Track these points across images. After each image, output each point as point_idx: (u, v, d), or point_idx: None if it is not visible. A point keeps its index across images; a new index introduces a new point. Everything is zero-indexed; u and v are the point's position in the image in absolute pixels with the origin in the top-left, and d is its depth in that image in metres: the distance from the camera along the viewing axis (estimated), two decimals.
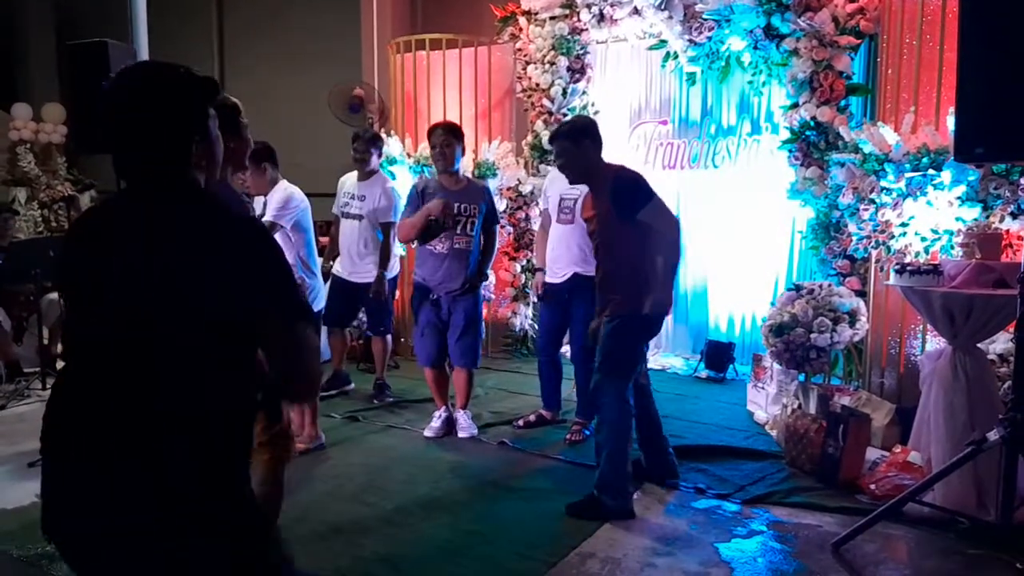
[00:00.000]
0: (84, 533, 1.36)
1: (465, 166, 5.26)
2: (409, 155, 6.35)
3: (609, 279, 3.45)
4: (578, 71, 6.31)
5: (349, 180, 5.13)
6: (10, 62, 10.39)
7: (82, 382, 1.41)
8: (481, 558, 2.97)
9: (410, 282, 4.75)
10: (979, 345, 3.36)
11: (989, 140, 2.72)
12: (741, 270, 5.91)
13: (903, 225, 4.02)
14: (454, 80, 6.54)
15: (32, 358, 5.75)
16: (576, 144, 3.42)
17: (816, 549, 3.03)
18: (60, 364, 1.49)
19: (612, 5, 5.90)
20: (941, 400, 3.28)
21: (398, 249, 5.31)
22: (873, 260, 4.38)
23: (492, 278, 6.13)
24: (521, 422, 4.55)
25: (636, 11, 5.79)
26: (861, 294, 4.58)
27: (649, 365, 5.63)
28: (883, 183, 4.07)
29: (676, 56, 5.78)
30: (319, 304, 4.40)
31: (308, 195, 4.29)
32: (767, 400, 4.65)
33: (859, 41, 4.88)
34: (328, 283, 5.07)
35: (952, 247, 3.84)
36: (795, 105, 5.06)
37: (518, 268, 6.45)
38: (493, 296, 6.28)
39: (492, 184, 5.96)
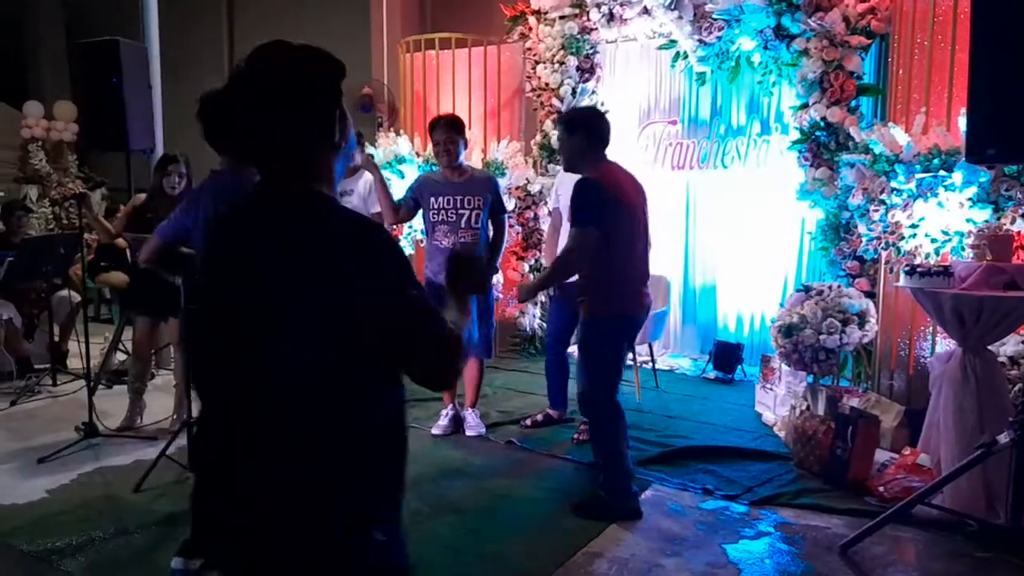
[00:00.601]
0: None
1: (474, 163, 5.23)
2: (418, 154, 6.35)
3: (581, 280, 3.40)
4: (587, 71, 6.30)
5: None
6: (22, 60, 10.44)
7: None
8: (488, 557, 2.98)
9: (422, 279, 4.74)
10: (989, 347, 3.34)
11: (1001, 141, 2.71)
12: (750, 271, 5.89)
13: (913, 226, 4.00)
14: (463, 79, 6.55)
15: (43, 355, 5.79)
16: (569, 134, 3.34)
17: (824, 551, 3.02)
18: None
19: (622, 5, 5.89)
20: (951, 402, 3.27)
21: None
22: (883, 261, 4.36)
23: (500, 277, 6.12)
24: (528, 422, 4.55)
25: (646, 11, 5.78)
26: (870, 295, 4.56)
27: (657, 365, 5.74)
28: (893, 184, 4.05)
29: (686, 56, 5.77)
30: None
31: None
32: (775, 401, 4.64)
33: (870, 41, 4.86)
34: None
35: (963, 249, 3.82)
36: (805, 105, 5.05)
37: (526, 267, 6.45)
38: (501, 296, 6.28)
39: (501, 183, 5.94)
